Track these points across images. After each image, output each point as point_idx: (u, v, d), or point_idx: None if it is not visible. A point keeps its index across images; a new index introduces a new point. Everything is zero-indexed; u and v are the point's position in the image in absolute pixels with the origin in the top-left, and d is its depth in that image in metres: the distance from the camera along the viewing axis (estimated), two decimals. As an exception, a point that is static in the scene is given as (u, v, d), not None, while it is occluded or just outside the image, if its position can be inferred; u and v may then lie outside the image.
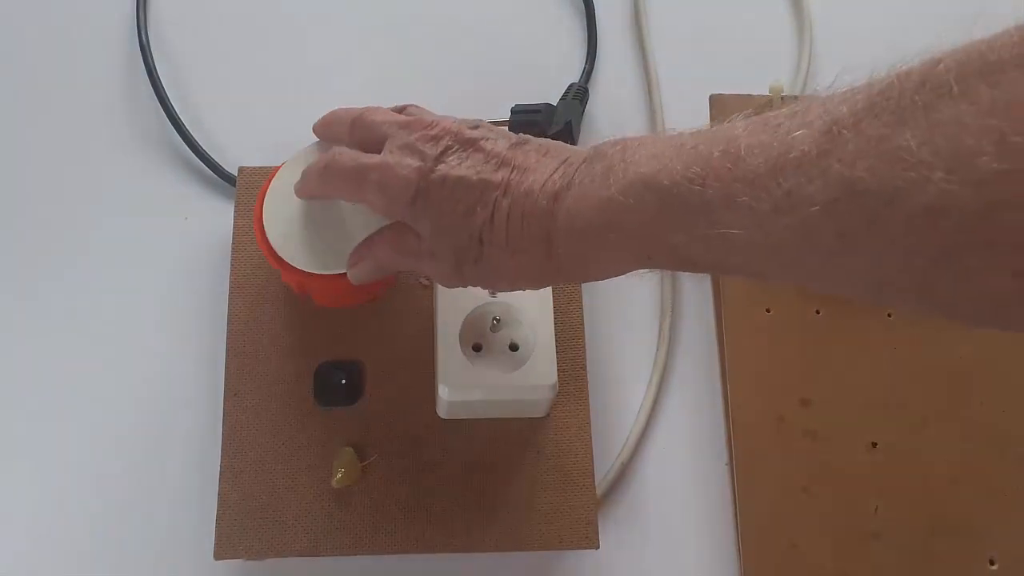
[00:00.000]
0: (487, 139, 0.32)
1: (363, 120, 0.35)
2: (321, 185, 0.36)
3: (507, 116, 0.44)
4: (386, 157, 0.33)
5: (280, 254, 0.37)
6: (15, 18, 0.49)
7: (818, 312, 0.41)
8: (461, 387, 0.36)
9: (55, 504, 0.40)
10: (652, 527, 0.41)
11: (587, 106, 0.47)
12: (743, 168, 0.25)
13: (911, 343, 0.41)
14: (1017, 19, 0.22)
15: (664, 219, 0.27)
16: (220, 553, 0.37)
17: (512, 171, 0.31)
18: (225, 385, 0.39)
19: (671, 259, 0.29)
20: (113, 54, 0.48)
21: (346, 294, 0.39)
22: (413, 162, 0.32)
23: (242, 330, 0.40)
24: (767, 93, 0.43)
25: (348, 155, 0.34)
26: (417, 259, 0.34)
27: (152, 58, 0.47)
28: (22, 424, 0.41)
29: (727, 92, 0.43)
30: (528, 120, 0.44)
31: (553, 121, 0.44)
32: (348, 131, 0.36)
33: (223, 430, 0.39)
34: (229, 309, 0.40)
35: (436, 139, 0.32)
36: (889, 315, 0.41)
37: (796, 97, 0.43)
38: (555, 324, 0.38)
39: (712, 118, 0.43)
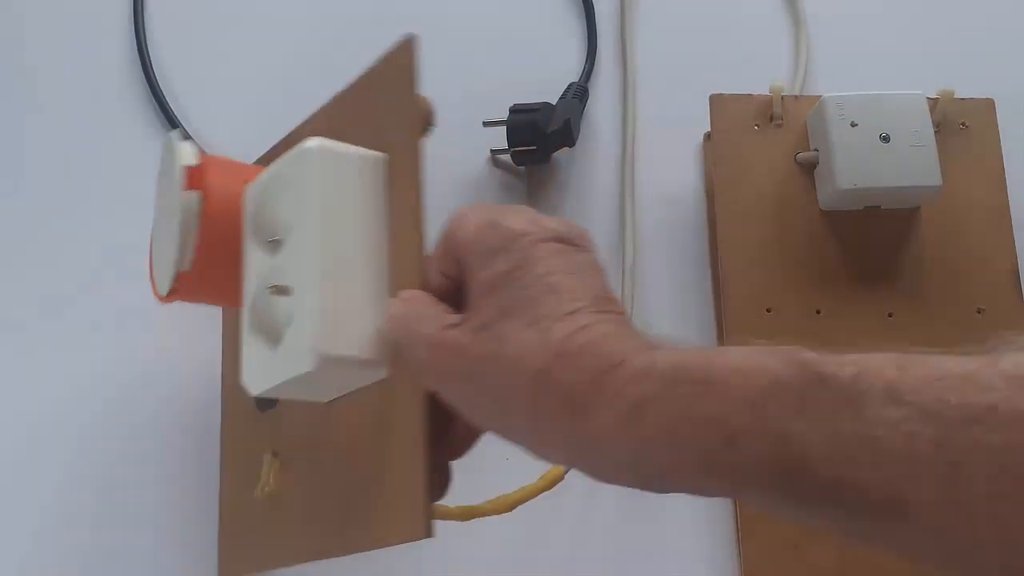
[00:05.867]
0: None
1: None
2: None
3: (506, 115, 0.44)
4: None
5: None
6: (14, 19, 0.49)
7: (818, 312, 0.41)
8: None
9: (52, 509, 0.40)
10: (652, 527, 0.41)
11: (587, 105, 0.47)
12: None
13: (911, 343, 0.40)
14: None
15: None
16: (226, 572, 0.36)
17: None
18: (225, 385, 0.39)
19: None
20: (112, 54, 0.48)
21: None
22: None
23: (242, 330, 0.40)
24: (767, 93, 0.43)
25: None
26: None
27: (151, 58, 0.47)
28: (20, 425, 0.41)
29: (727, 92, 0.43)
30: (527, 120, 0.44)
31: (552, 120, 0.44)
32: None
33: (223, 429, 0.39)
34: (228, 308, 0.40)
35: None
36: (890, 315, 0.41)
37: (796, 97, 0.43)
38: None
39: (712, 118, 0.43)
